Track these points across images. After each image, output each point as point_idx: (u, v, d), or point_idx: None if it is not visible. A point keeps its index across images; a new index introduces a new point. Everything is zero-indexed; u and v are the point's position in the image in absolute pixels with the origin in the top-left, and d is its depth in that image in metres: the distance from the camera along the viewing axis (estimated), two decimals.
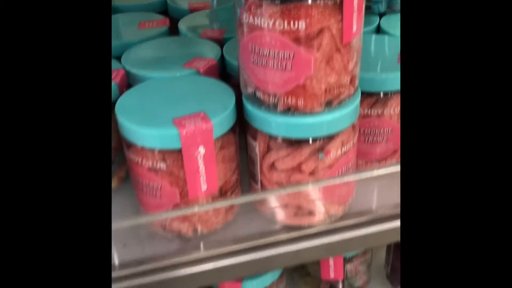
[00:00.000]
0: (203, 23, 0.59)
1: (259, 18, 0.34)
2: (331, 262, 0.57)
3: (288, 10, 0.33)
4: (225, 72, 0.50)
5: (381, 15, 0.58)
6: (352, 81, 0.39)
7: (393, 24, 0.56)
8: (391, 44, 0.51)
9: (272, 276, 0.54)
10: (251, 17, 0.35)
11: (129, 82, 0.48)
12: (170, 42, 0.54)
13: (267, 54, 0.36)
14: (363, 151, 0.49)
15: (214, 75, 0.48)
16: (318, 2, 0.33)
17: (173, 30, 0.59)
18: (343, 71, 0.37)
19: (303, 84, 0.36)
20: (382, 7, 0.58)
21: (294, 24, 0.34)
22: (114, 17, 0.61)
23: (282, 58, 0.35)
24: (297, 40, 0.34)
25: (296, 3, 0.33)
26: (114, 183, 0.49)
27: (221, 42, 0.54)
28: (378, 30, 0.57)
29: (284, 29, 0.34)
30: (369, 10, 0.59)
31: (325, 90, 0.37)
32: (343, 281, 0.59)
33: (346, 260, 0.58)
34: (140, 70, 0.47)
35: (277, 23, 0.34)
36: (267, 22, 0.34)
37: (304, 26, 0.34)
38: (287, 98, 0.38)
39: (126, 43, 0.53)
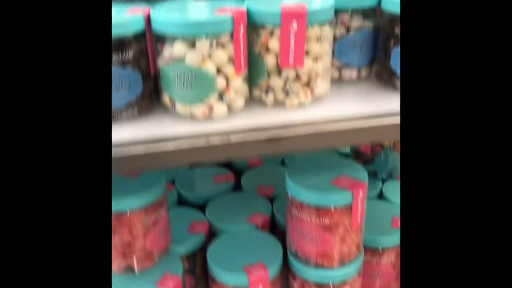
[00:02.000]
0: (259, 179, 0.84)
1: (301, 213, 0.58)
2: None
3: (319, 212, 0.57)
4: (274, 223, 0.74)
5: (384, 181, 0.82)
6: (358, 247, 0.62)
7: (393, 190, 0.79)
8: (388, 210, 0.74)
9: None
10: (296, 211, 0.59)
11: (211, 230, 0.72)
12: (237, 198, 0.78)
13: (305, 234, 0.59)
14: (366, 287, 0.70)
15: (267, 227, 0.72)
16: (339, 208, 0.57)
17: (237, 181, 0.83)
18: (352, 244, 0.60)
19: (327, 252, 0.59)
20: (384, 175, 0.82)
21: (322, 220, 0.57)
22: (191, 171, 0.86)
23: (314, 237, 0.59)
24: (324, 228, 0.58)
25: (324, 209, 0.57)
26: None
27: (271, 198, 0.78)
28: (381, 193, 0.80)
29: (316, 222, 0.58)
30: (374, 176, 0.82)
31: (339, 255, 0.60)
32: None
33: None
34: (219, 223, 0.71)
35: (312, 218, 0.58)
36: (306, 217, 0.58)
37: (328, 221, 0.57)
38: (316, 258, 0.60)
39: (207, 196, 0.78)
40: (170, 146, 0.46)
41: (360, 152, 0.82)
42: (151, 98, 0.52)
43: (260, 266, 0.61)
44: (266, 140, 0.48)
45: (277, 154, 0.51)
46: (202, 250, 0.69)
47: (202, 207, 0.76)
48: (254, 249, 0.65)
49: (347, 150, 0.87)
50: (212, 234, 0.71)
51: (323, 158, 0.65)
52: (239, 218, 0.72)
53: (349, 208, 0.57)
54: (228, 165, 0.90)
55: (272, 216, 0.74)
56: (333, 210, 0.57)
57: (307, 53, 0.51)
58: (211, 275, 0.63)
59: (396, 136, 0.50)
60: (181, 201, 0.80)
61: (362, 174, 0.60)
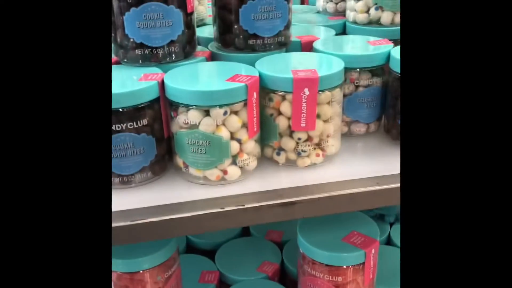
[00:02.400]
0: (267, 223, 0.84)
1: (313, 270, 0.58)
2: None
3: (331, 270, 0.57)
4: (283, 270, 0.74)
5: (391, 224, 0.82)
6: None
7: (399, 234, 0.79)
8: (398, 256, 0.74)
9: None
10: (308, 268, 0.59)
11: (221, 279, 0.72)
12: (246, 244, 0.78)
13: None
14: None
15: (277, 276, 0.72)
16: (352, 267, 0.57)
17: (245, 228, 0.84)
18: None
19: None
20: (392, 219, 0.82)
21: (335, 278, 0.57)
22: None
23: None
24: (336, 286, 0.58)
25: (337, 267, 0.57)
26: None
27: (280, 244, 0.78)
28: (389, 237, 0.80)
29: (329, 279, 0.58)
30: (381, 220, 0.83)
31: None
32: None
33: None
34: (229, 273, 0.71)
35: (325, 276, 0.58)
36: (319, 274, 0.58)
37: (341, 279, 0.57)
38: None
39: (217, 242, 0.78)
40: (185, 213, 0.47)
41: None
42: (164, 159, 0.53)
43: None
44: (280, 204, 0.48)
45: (292, 219, 0.51)
46: None
47: (211, 253, 0.76)
48: None
49: None
50: (222, 283, 0.71)
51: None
52: (249, 267, 0.72)
53: (361, 266, 0.57)
54: None
55: (282, 263, 0.74)
56: (345, 268, 0.57)
57: (318, 116, 0.51)
58: None
59: None
60: (190, 248, 0.80)
61: (373, 229, 0.61)
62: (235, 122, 0.48)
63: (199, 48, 0.61)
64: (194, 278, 0.70)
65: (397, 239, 0.78)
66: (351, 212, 0.67)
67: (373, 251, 0.57)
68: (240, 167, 0.51)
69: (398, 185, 0.50)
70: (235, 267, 0.72)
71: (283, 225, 0.82)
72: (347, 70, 0.55)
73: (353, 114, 0.59)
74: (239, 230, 0.82)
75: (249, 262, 0.73)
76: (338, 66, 0.52)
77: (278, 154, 0.54)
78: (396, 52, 0.56)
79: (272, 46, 0.58)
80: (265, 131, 0.53)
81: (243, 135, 0.50)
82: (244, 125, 0.50)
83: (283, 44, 0.60)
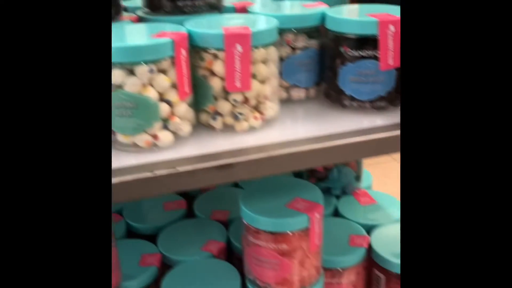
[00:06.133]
0: (212, 204, 0.81)
1: (258, 240, 0.56)
2: None
3: (276, 238, 0.55)
4: (230, 248, 0.71)
5: (338, 197, 0.82)
6: (317, 270, 0.60)
7: (346, 206, 0.79)
8: (345, 227, 0.73)
9: None
10: (252, 238, 0.57)
11: (164, 261, 0.68)
12: (190, 225, 0.75)
13: (263, 260, 0.57)
14: None
15: (223, 255, 0.69)
16: (296, 232, 0.55)
17: (189, 208, 0.80)
18: (311, 267, 0.59)
19: (286, 278, 0.57)
20: (338, 191, 0.82)
21: (280, 246, 0.55)
22: (140, 200, 0.82)
23: (273, 263, 0.57)
24: (282, 253, 0.56)
25: (281, 234, 0.55)
26: None
27: (226, 223, 0.75)
28: (336, 210, 0.79)
29: (274, 248, 0.56)
30: (328, 193, 0.82)
31: (299, 280, 0.58)
32: None
33: None
34: (172, 254, 0.67)
35: (269, 244, 0.56)
36: (263, 243, 0.56)
37: (286, 246, 0.55)
38: (276, 285, 0.58)
39: (158, 226, 0.74)
40: (113, 180, 0.43)
41: (314, 170, 0.81)
42: None
43: None
44: (217, 167, 0.46)
45: (229, 182, 0.49)
46: (155, 284, 0.65)
47: (153, 238, 0.72)
48: (210, 279, 0.62)
49: None
50: (165, 266, 0.67)
51: (277, 179, 0.63)
52: (193, 247, 0.69)
53: (306, 231, 0.56)
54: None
55: (228, 242, 0.71)
56: (290, 234, 0.55)
57: (254, 76, 0.49)
58: None
59: (347, 157, 0.49)
60: (131, 233, 0.76)
61: (317, 195, 0.59)
62: (162, 81, 0.45)
63: (125, 15, 0.57)
64: (134, 262, 0.65)
65: (343, 211, 0.78)
66: (295, 179, 0.66)
67: (317, 215, 0.56)
68: (173, 132, 0.48)
69: (339, 143, 0.49)
70: (178, 248, 0.68)
71: (229, 204, 0.79)
72: (282, 31, 0.54)
73: (291, 78, 0.57)
74: (183, 212, 0.79)
75: (193, 242, 0.69)
76: (271, 23, 0.50)
77: (214, 118, 0.51)
78: (331, 12, 0.54)
79: (203, 9, 0.56)
80: (199, 95, 0.50)
81: (173, 96, 0.46)
82: (174, 86, 0.46)
83: (214, 7, 0.57)
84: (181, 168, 0.45)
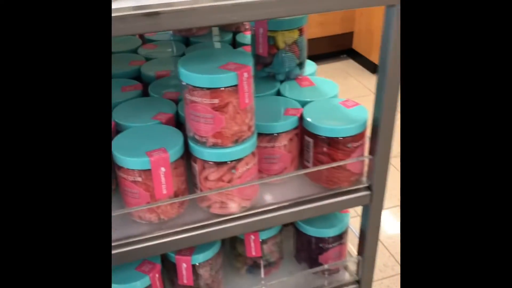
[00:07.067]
0: (165, 87, 0.88)
1: (195, 97, 0.64)
2: (252, 243, 0.85)
3: (209, 93, 0.63)
4: (178, 121, 0.79)
5: (281, 82, 0.89)
6: (249, 128, 0.69)
7: (287, 87, 0.87)
8: (283, 103, 0.81)
9: (213, 250, 0.81)
10: (190, 96, 0.64)
11: (117, 129, 0.76)
12: (144, 101, 0.82)
13: (199, 116, 0.65)
14: (266, 168, 0.78)
15: (172, 124, 0.77)
16: (227, 88, 0.63)
17: (145, 91, 0.87)
18: (242, 124, 0.67)
19: (220, 131, 0.66)
20: (282, 76, 0.89)
21: (213, 100, 0.63)
22: None
23: (208, 118, 0.65)
24: (215, 108, 0.64)
25: (214, 89, 0.63)
26: None
27: (176, 101, 0.83)
28: (278, 92, 0.87)
29: (208, 103, 0.64)
30: (273, 78, 0.89)
31: (233, 134, 0.67)
32: (261, 257, 0.88)
33: (263, 242, 0.86)
34: (124, 121, 0.75)
35: (204, 100, 0.63)
36: (199, 99, 0.64)
37: (218, 101, 0.63)
38: (212, 139, 0.67)
39: (114, 102, 0.81)
40: None
41: (259, 56, 0.88)
42: None
43: (161, 150, 0.67)
44: (144, 14, 0.52)
45: (157, 31, 0.55)
46: None
47: None
48: (156, 138, 0.70)
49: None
50: (118, 132, 0.75)
51: (216, 51, 0.70)
52: (144, 116, 0.77)
53: (236, 88, 0.64)
54: (137, 78, 0.93)
55: (177, 115, 0.79)
56: (221, 90, 0.63)
57: None
58: (117, 164, 0.68)
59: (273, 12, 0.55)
60: None
61: (247, 59, 0.66)
62: None
63: None
64: None
65: (284, 91, 0.85)
66: (232, 50, 0.73)
67: (245, 74, 0.63)
68: None
69: None
70: (130, 117, 0.76)
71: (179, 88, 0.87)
72: None
73: None
74: (139, 92, 0.86)
75: (144, 113, 0.77)
76: None
77: None
78: None
79: None
80: None
81: None
82: None
83: None
84: (114, 14, 0.51)
